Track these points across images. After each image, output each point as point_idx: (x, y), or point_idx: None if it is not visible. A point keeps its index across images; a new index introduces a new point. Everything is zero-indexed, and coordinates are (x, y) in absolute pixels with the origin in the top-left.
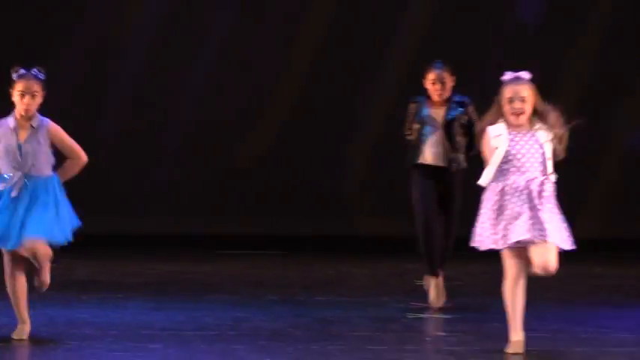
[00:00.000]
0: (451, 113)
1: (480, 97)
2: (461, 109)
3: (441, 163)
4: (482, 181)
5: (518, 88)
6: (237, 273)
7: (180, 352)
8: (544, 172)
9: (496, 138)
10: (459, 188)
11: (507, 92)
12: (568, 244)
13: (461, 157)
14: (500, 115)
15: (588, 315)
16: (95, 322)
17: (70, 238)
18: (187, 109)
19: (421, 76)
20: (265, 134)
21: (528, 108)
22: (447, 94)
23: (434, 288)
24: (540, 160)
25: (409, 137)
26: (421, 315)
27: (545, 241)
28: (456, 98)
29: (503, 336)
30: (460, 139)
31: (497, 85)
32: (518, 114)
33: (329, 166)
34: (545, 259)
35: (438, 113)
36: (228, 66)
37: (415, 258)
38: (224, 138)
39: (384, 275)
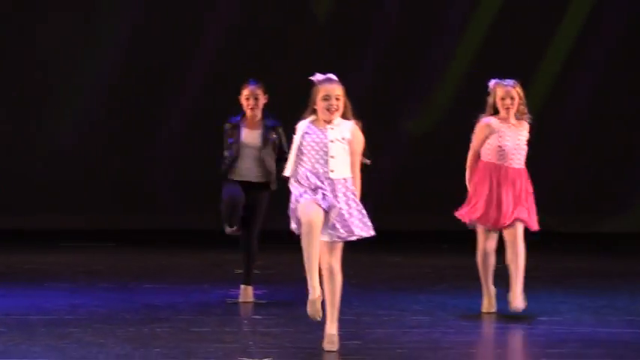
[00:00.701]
0: (266, 137)
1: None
2: (275, 135)
3: (255, 180)
4: (286, 171)
5: (333, 87)
6: (74, 263)
7: (23, 335)
8: (342, 165)
9: (298, 132)
10: (263, 206)
11: (322, 91)
12: (370, 231)
13: (273, 177)
14: (313, 114)
15: (389, 299)
16: None
17: None
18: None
19: (228, 78)
20: (77, 129)
21: (341, 106)
22: (259, 110)
23: (244, 292)
24: (325, 152)
25: (226, 156)
26: (239, 300)
27: (338, 240)
28: (269, 123)
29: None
30: (272, 162)
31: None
32: (332, 110)
33: (148, 163)
34: (330, 264)
35: (254, 134)
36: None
37: (233, 250)
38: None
39: (205, 265)
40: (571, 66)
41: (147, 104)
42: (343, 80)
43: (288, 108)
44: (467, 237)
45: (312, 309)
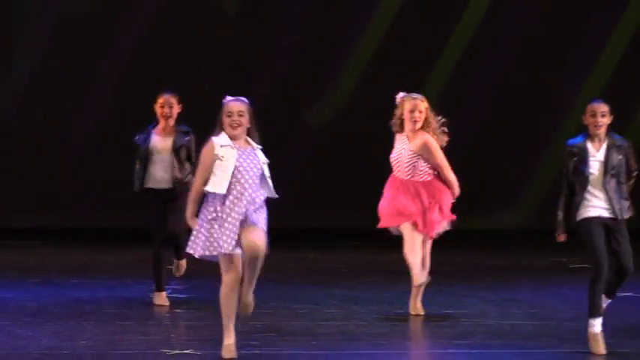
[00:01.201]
0: (178, 141)
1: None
2: (187, 137)
3: (168, 186)
4: (211, 188)
5: (236, 104)
6: (4, 260)
7: None
8: (261, 188)
9: (223, 147)
10: (183, 214)
11: (227, 108)
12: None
13: (190, 179)
14: (221, 131)
15: (304, 293)
16: None
17: None
18: None
19: (141, 78)
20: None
21: (245, 122)
22: (173, 118)
23: (159, 299)
24: (258, 175)
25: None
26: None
27: (254, 225)
28: (183, 128)
29: None
30: (187, 165)
31: None
32: (235, 126)
33: (69, 164)
34: (253, 241)
35: (166, 141)
36: None
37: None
38: None
39: (126, 261)
40: (467, 66)
41: (61, 105)
42: (252, 77)
43: (199, 106)
44: (378, 234)
45: (227, 352)
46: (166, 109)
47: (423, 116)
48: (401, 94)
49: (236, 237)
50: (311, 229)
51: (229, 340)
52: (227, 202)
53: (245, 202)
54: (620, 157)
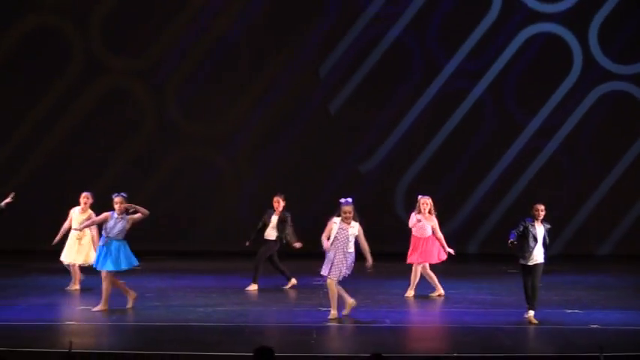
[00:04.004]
0: (283, 216)
1: None
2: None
3: (275, 238)
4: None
5: (348, 207)
6: None
7: None
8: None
9: (335, 224)
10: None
11: (344, 209)
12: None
13: (289, 237)
14: (339, 215)
15: None
16: None
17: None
18: None
19: None
20: None
21: (352, 215)
22: (281, 208)
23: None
24: (351, 238)
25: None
26: None
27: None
28: (285, 213)
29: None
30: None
31: None
32: (347, 217)
33: None
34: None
35: (274, 219)
36: None
37: None
38: None
39: None
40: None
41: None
42: None
43: None
44: None
45: (348, 307)
46: (276, 204)
47: (429, 206)
48: (420, 195)
49: (344, 271)
50: None
51: (334, 309)
52: (337, 253)
53: (342, 253)
54: (546, 235)
